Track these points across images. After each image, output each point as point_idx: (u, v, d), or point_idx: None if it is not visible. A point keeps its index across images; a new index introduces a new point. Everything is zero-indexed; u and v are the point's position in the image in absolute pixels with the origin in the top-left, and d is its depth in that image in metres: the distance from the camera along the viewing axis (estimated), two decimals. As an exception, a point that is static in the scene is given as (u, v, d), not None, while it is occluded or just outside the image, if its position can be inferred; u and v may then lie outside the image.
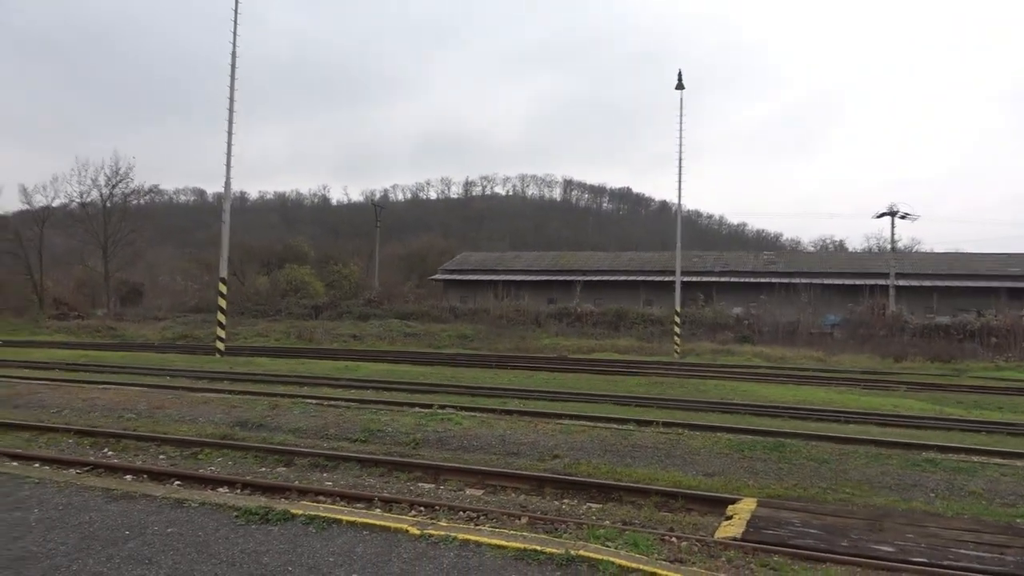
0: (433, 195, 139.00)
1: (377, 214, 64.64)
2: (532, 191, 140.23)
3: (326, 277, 54.55)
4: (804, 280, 43.90)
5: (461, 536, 5.81)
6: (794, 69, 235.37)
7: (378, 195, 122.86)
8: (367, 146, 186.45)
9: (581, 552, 5.43)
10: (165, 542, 5.88)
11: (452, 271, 58.05)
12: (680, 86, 32.59)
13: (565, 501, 8.04)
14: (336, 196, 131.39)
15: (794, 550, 6.09)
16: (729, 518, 7.07)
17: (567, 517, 7.26)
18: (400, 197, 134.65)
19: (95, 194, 53.68)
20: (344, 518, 6.32)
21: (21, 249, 51.25)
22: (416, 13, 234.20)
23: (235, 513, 6.49)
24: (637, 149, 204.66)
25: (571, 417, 11.87)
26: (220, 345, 26.58)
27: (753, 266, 51.50)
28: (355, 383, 17.37)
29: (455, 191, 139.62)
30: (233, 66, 27.36)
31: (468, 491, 8.37)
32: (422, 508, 7.37)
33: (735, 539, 6.41)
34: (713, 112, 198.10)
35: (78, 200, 54.17)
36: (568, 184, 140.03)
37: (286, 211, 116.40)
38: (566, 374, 21.32)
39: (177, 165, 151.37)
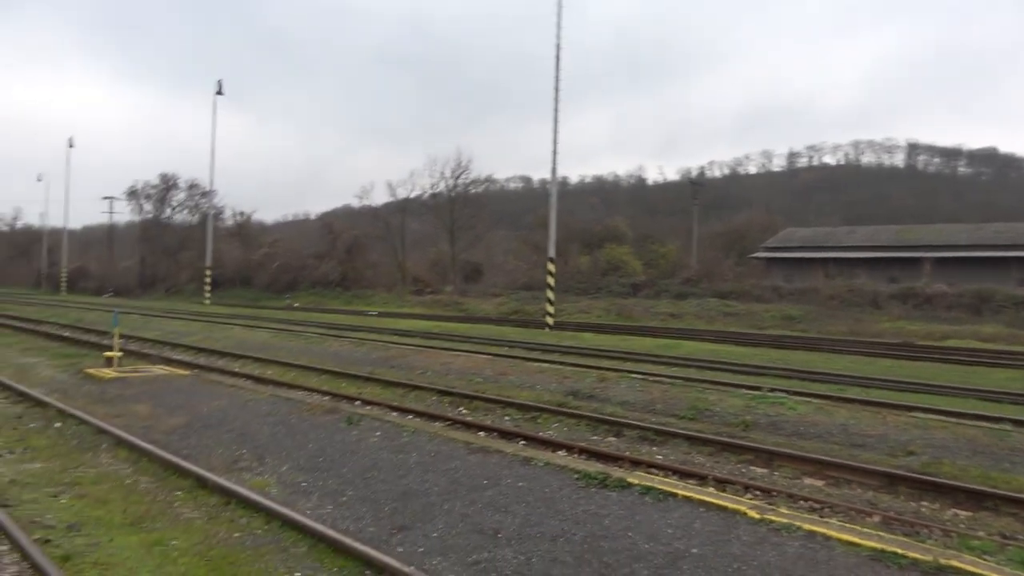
0: (752, 169, 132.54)
1: (694, 192, 63.61)
2: (868, 158, 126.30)
3: (644, 256, 55.26)
4: None
5: (806, 526, 5.50)
6: None
7: (694, 172, 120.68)
8: (683, 123, 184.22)
9: (953, 562, 4.80)
10: (517, 494, 6.51)
11: (775, 248, 54.86)
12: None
13: (924, 504, 7.16)
14: (652, 176, 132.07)
15: None
16: None
17: (929, 521, 6.47)
18: (717, 173, 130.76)
19: (442, 185, 60.99)
20: (680, 492, 6.39)
21: (388, 235, 60.38)
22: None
23: (575, 475, 6.93)
24: (1002, 101, 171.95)
25: (927, 411, 10.50)
26: (549, 320, 28.52)
27: None
28: (677, 360, 17.38)
29: (777, 163, 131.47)
30: (558, 61, 28.90)
31: (807, 480, 7.88)
32: (758, 492, 7.14)
33: None
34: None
35: (429, 191, 62.07)
36: (913, 148, 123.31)
37: (604, 193, 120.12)
38: (913, 362, 18.92)
39: (507, 156, 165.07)
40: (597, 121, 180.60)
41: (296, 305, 48.07)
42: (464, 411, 11.46)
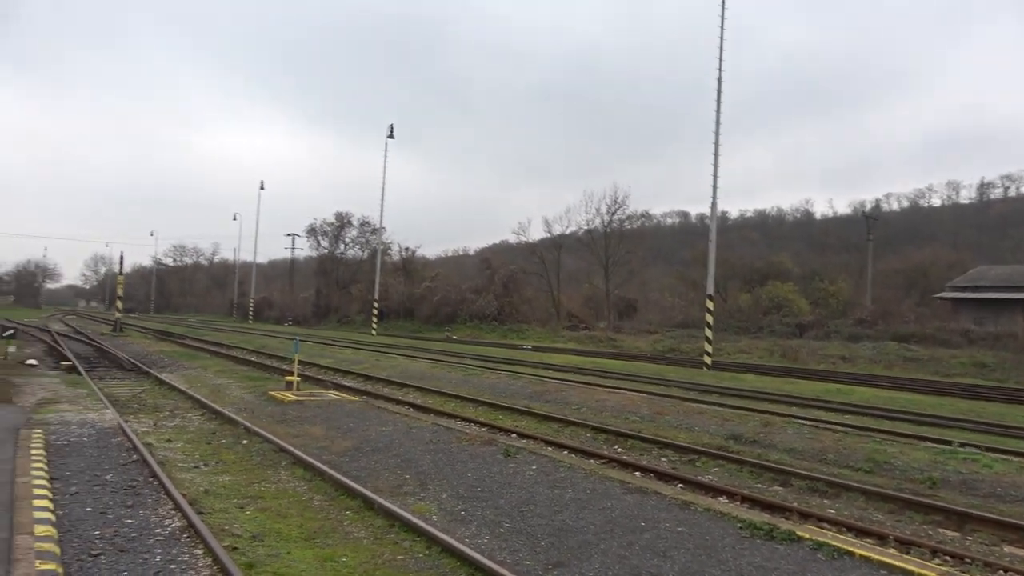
0: (936, 201, 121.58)
1: (869, 226, 59.41)
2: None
3: (811, 295, 52.20)
4: None
5: (1009, 600, 4.89)
6: None
7: (868, 205, 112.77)
8: (856, 154, 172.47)
9: None
10: (676, 539, 6.29)
11: (964, 288, 49.86)
12: None
13: None
14: (820, 209, 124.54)
15: None
16: None
17: None
18: (895, 206, 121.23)
19: (597, 221, 61.17)
20: (856, 551, 5.90)
21: (544, 270, 61.32)
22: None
23: (739, 524, 6.60)
24: None
25: None
26: (707, 359, 27.56)
27: None
28: (850, 407, 16.15)
29: (965, 195, 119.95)
30: (719, 93, 28.31)
31: (1007, 548, 7.01)
32: (947, 557, 6.44)
33: None
34: None
35: (585, 227, 62.46)
36: None
37: (767, 228, 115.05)
38: None
39: (665, 191, 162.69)
40: (761, 153, 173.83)
41: (455, 337, 49.80)
42: (620, 449, 11.29)
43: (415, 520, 6.63)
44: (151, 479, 7.95)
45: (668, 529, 6.56)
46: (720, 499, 8.14)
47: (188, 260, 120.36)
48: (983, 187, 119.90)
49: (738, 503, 8.05)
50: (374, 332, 51.50)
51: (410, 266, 69.67)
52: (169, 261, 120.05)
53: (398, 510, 6.94)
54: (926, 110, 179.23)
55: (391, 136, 49.65)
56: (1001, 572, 6.14)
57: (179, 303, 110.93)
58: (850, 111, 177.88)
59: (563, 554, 6.00)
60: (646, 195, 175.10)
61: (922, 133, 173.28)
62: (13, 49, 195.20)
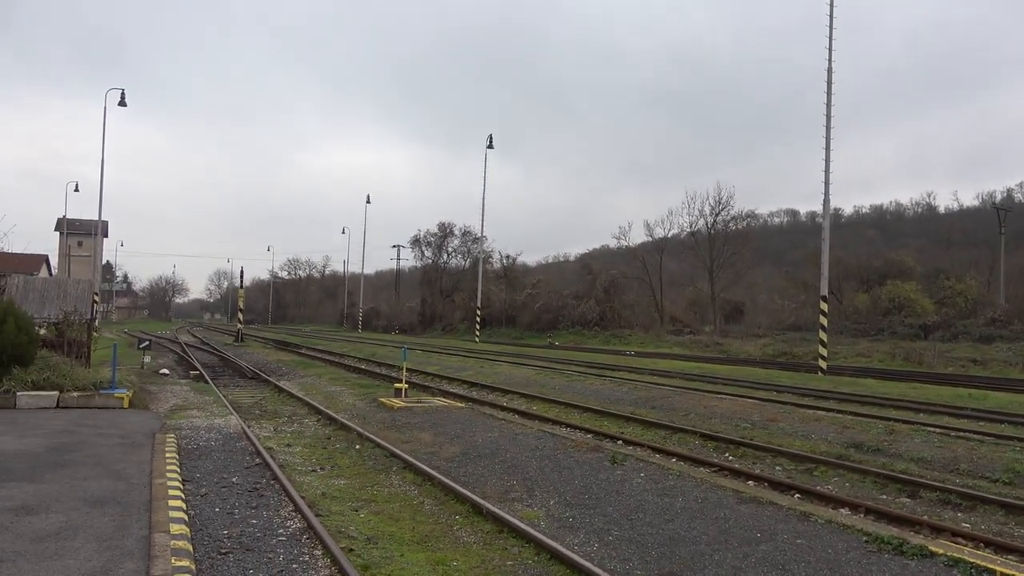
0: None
1: (1000, 218, 55.11)
2: None
3: (935, 293, 48.85)
4: None
5: None
6: None
7: (999, 196, 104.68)
8: (986, 141, 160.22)
9: None
10: (795, 552, 6.01)
11: (1114, 283, 45.40)
12: None
13: None
14: (943, 203, 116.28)
15: None
16: None
17: None
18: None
19: (701, 223, 59.73)
20: (998, 569, 5.46)
21: (646, 274, 60.45)
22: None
23: (864, 538, 6.24)
24: None
25: None
26: (822, 363, 26.31)
27: None
28: (984, 414, 14.98)
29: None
30: (829, 82, 27.07)
31: None
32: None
33: None
34: None
35: (688, 229, 61.12)
36: None
37: (884, 224, 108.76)
38: None
39: (770, 189, 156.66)
40: (879, 145, 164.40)
41: (556, 344, 49.81)
42: (731, 457, 10.93)
43: (523, 526, 6.65)
44: (273, 482, 8.36)
45: (786, 541, 6.27)
46: (842, 511, 7.72)
47: (302, 273, 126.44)
48: None
49: (862, 515, 7.61)
50: (477, 339, 52.25)
51: (511, 274, 70.37)
52: (284, 274, 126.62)
53: (507, 516, 6.98)
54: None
55: (491, 146, 50.39)
56: None
57: (294, 314, 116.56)
58: (979, 93, 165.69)
59: (675, 564, 5.86)
60: (752, 194, 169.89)
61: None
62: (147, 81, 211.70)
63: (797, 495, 8.43)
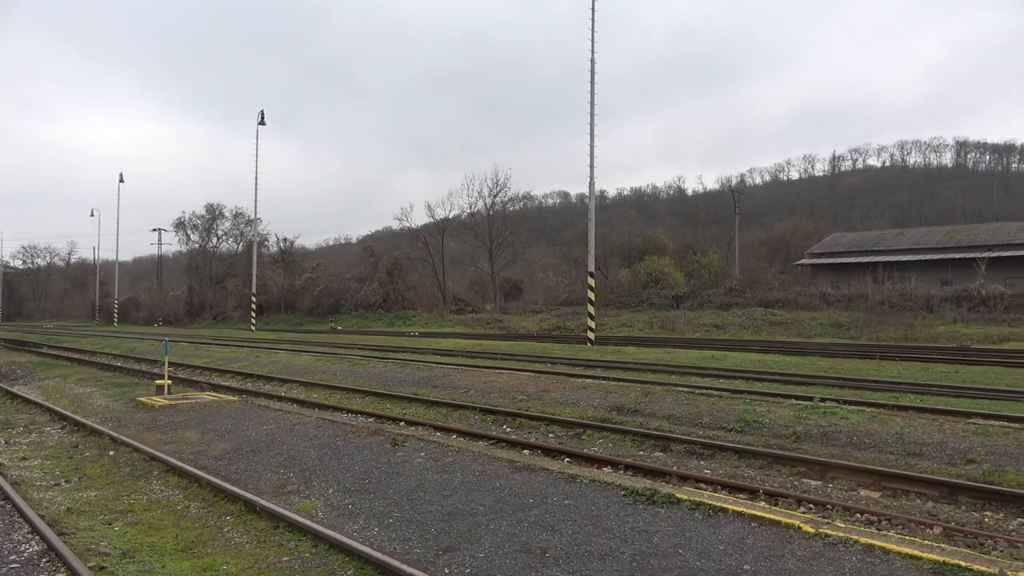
0: (795, 175, 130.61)
1: (735, 200, 62.83)
2: (914, 159, 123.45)
3: (685, 267, 54.66)
4: None
5: (863, 540, 5.31)
6: None
7: (735, 181, 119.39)
8: (727, 133, 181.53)
9: (1021, 574, 4.57)
10: (563, 513, 6.42)
11: (820, 254, 53.77)
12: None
13: (987, 513, 6.86)
14: (691, 186, 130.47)
15: None
16: None
17: (994, 532, 6.19)
18: (758, 180, 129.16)
19: (480, 204, 61.33)
20: (730, 507, 6.23)
21: (428, 256, 60.88)
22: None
23: (623, 492, 6.82)
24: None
25: (987, 416, 10.10)
26: (591, 335, 28.34)
27: None
28: (723, 372, 17.07)
29: (820, 168, 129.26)
30: (592, 73, 28.92)
31: (862, 492, 7.63)
32: (811, 505, 6.93)
33: None
34: None
35: (468, 211, 62.48)
36: (962, 146, 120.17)
37: (643, 205, 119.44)
38: (970, 367, 18.24)
39: (550, 173, 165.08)
40: (641, 133, 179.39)
41: (339, 328, 48.66)
42: (508, 429, 11.40)
43: (299, 519, 6.42)
44: (3, 502, 7.28)
45: (556, 503, 6.68)
46: (605, 469, 8.38)
47: (41, 262, 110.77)
48: (835, 160, 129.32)
49: (622, 472, 8.33)
50: (253, 328, 49.49)
51: (289, 257, 67.35)
52: (18, 264, 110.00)
53: (281, 510, 6.70)
54: (790, 88, 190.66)
55: (263, 122, 47.57)
56: (858, 514, 6.66)
57: (32, 309, 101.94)
58: (726, 88, 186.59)
59: (453, 538, 5.99)
60: (530, 176, 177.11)
61: (785, 110, 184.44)
62: None
63: (567, 459, 9.02)
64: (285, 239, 69.45)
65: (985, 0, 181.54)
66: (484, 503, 6.86)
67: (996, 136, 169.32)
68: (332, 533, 5.98)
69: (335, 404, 13.90)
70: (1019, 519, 6.68)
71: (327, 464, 8.72)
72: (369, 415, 12.62)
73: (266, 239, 68.38)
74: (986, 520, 6.69)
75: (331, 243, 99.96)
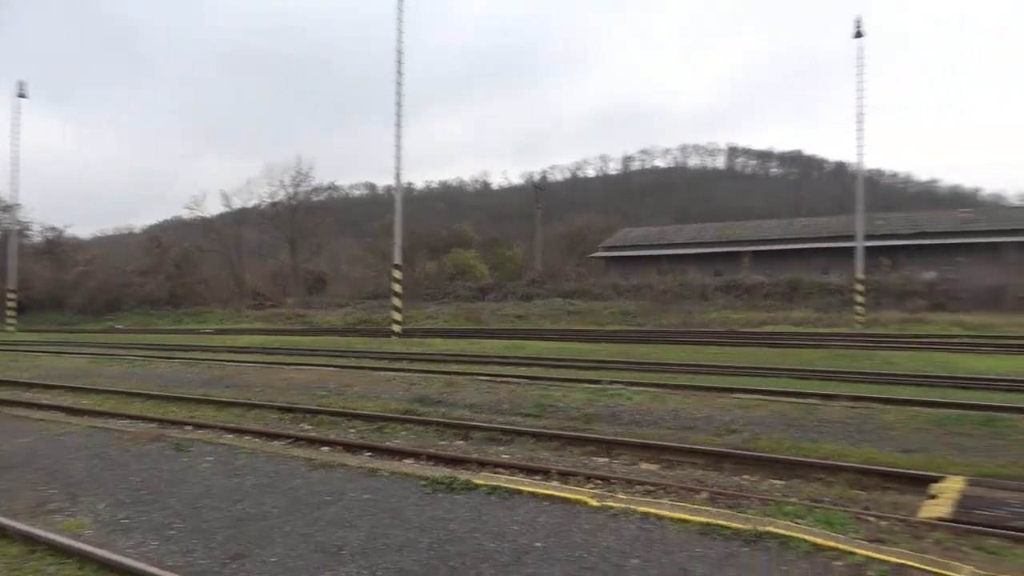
0: (591, 173, 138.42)
1: (537, 195, 65.40)
2: (693, 161, 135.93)
3: (490, 260, 56.06)
4: (1011, 239, 39.17)
5: (641, 509, 5.76)
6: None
7: (537, 176, 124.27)
8: (533, 129, 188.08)
9: (769, 528, 5.20)
10: (362, 507, 6.32)
11: (612, 248, 57.59)
12: (859, 34, 30.07)
13: (745, 477, 7.74)
14: (496, 180, 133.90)
15: (1016, 532, 5.46)
16: (933, 497, 6.48)
17: (750, 493, 6.99)
18: (559, 177, 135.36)
19: (282, 194, 58.68)
20: (524, 489, 6.48)
21: (223, 247, 57.17)
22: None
23: (422, 482, 6.85)
24: (811, 108, 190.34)
25: (746, 391, 11.41)
26: (396, 328, 28.17)
27: (948, 226, 46.58)
28: (524, 360, 17.74)
29: (613, 167, 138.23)
30: (399, 63, 28.66)
31: (643, 465, 8.28)
32: (599, 481, 7.39)
33: (942, 519, 5.86)
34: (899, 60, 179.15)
35: (268, 200, 59.50)
36: (732, 151, 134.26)
37: (450, 198, 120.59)
38: (737, 348, 20.53)
39: (356, 164, 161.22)
40: (453, 125, 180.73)
41: (119, 327, 44.30)
42: (307, 427, 11.01)
43: (61, 539, 5.74)
44: None
45: (354, 499, 6.56)
46: (407, 461, 8.37)
47: None
48: (626, 160, 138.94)
49: (423, 462, 8.36)
50: (12, 328, 43.66)
51: (58, 249, 60.08)
52: None
53: (39, 532, 5.95)
54: (590, 89, 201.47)
55: (23, 95, 41.91)
56: (638, 486, 7.22)
57: None
58: (530, 86, 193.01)
59: (242, 545, 5.67)
60: (336, 167, 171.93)
61: (587, 110, 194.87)
62: None
63: (368, 454, 8.88)
64: (52, 228, 61.91)
65: (764, 24, 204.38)
66: (278, 505, 6.57)
67: (759, 143, 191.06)
68: (101, 552, 5.41)
69: (110, 410, 12.60)
70: (770, 480, 7.59)
71: (98, 476, 7.89)
72: (150, 420, 11.58)
73: (28, 228, 60.45)
74: (744, 483, 7.54)
75: (111, 233, 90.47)
